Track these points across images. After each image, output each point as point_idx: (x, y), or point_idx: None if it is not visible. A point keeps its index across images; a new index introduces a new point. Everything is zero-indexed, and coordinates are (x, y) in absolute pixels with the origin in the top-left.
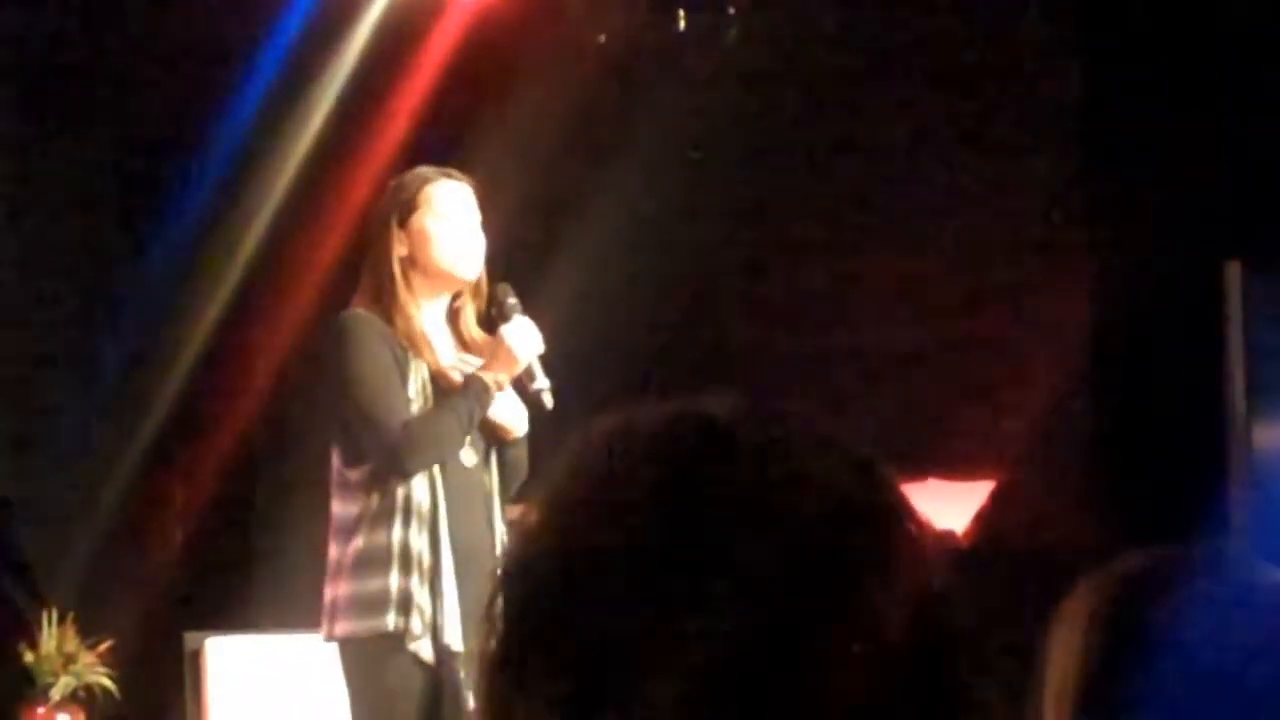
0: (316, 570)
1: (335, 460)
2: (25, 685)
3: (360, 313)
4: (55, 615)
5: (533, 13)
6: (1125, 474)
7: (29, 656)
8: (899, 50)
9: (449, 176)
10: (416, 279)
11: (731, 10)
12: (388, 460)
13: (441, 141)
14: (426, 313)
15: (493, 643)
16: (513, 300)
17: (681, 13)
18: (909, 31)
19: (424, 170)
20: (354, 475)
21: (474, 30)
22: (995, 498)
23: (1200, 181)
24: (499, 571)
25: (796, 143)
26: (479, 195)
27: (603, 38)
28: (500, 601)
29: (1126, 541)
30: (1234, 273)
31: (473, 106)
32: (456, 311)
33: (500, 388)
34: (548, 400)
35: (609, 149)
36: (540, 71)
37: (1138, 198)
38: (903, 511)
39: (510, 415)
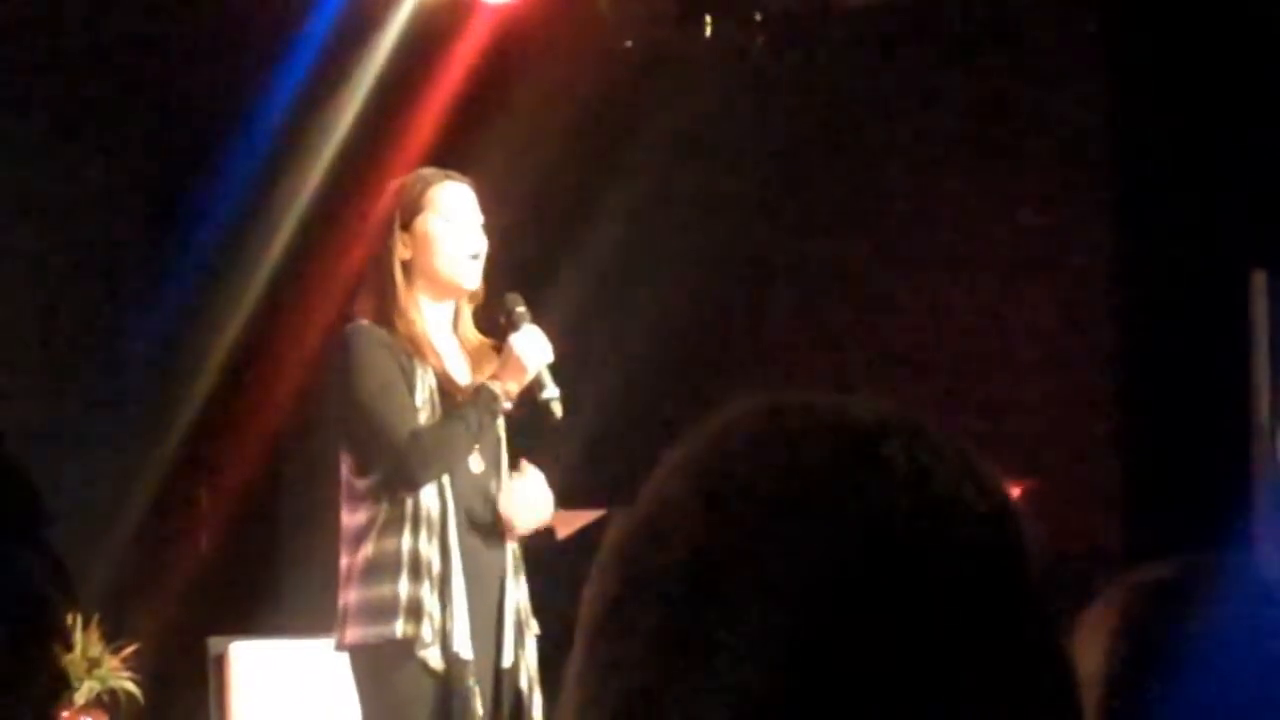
0: (339, 576)
1: (344, 470)
2: (62, 687)
3: (364, 325)
4: (80, 619)
5: (559, 18)
6: (1150, 482)
7: (67, 660)
8: (926, 61)
9: (450, 178)
10: (420, 284)
11: (759, 18)
12: (397, 471)
13: (467, 145)
14: (430, 317)
15: (603, 595)
16: (522, 309)
17: (708, 20)
18: (936, 42)
19: (425, 171)
20: (362, 484)
21: (500, 35)
22: (1021, 506)
23: (1226, 191)
24: (615, 534)
25: (819, 151)
26: (494, 197)
27: (629, 43)
28: (609, 561)
29: (1151, 550)
30: (1260, 282)
31: (498, 111)
32: (458, 318)
33: (510, 396)
34: (557, 409)
35: (633, 152)
36: (566, 77)
37: (1164, 207)
38: (1031, 557)
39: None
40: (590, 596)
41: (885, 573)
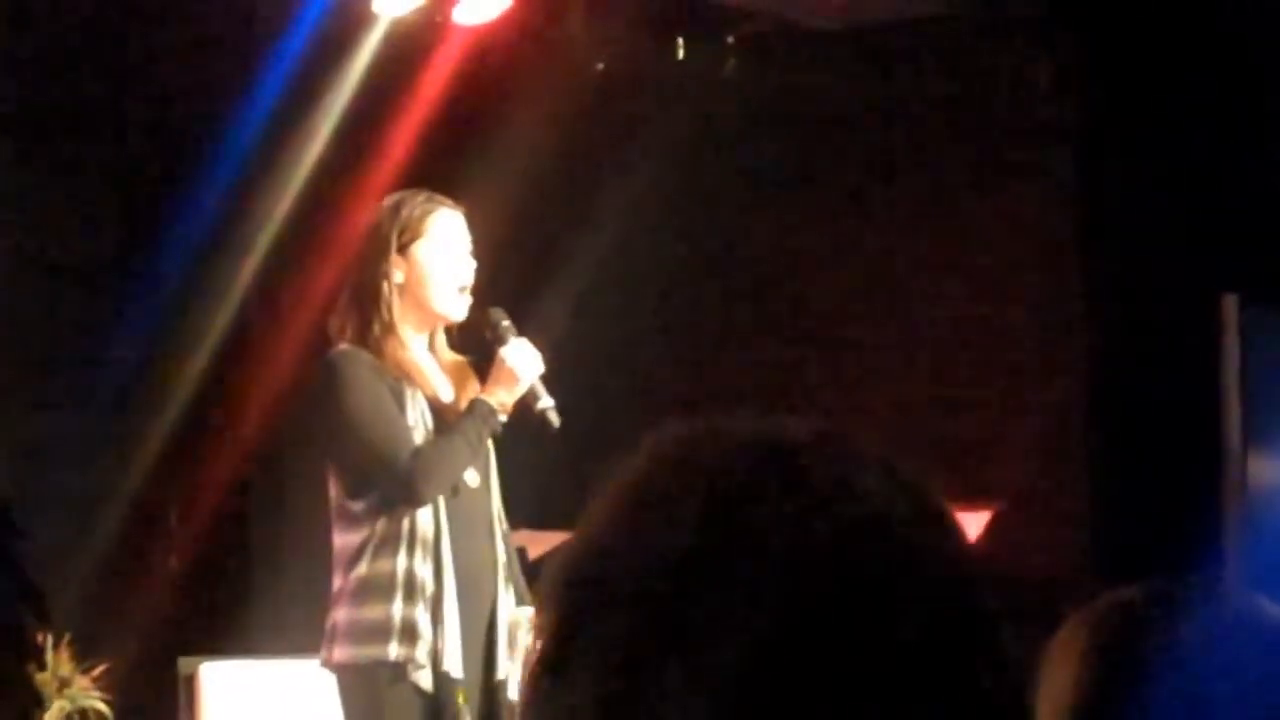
0: (311, 596)
1: (335, 493)
2: (34, 708)
3: (349, 349)
4: (50, 638)
5: (532, 40)
6: (1122, 505)
7: (39, 679)
8: (896, 82)
9: (446, 204)
10: (409, 308)
11: (730, 40)
12: (402, 490)
13: (440, 167)
14: (412, 340)
15: (539, 647)
16: (506, 322)
17: (680, 42)
18: (906, 63)
19: (422, 195)
20: (358, 506)
21: (473, 57)
22: (991, 528)
23: (1197, 215)
24: (551, 580)
25: (792, 172)
26: (467, 217)
27: (601, 66)
28: (553, 597)
29: (1122, 573)
30: (1230, 306)
31: (471, 132)
32: (431, 333)
33: (505, 409)
34: (554, 419)
35: (607, 175)
36: (539, 98)
37: (1135, 231)
38: (964, 563)
39: None
40: (532, 646)
41: (816, 595)
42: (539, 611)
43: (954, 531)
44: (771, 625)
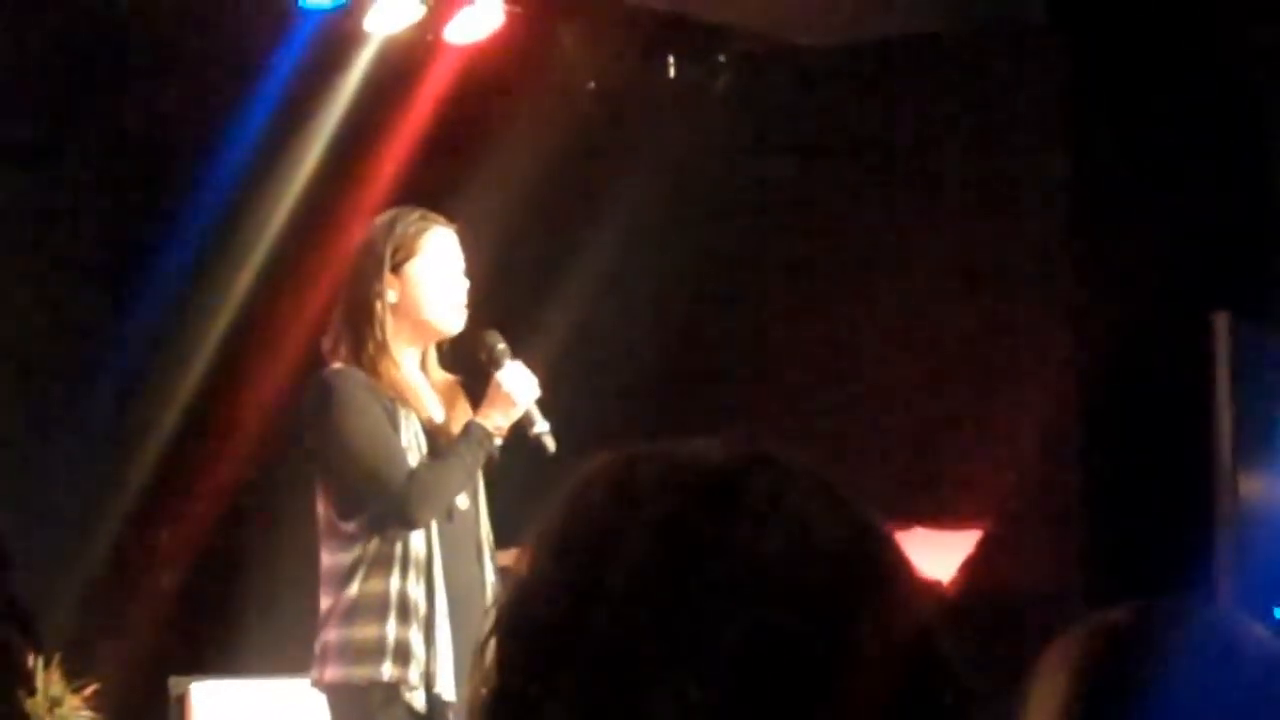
0: (302, 616)
1: (325, 512)
2: None
3: (343, 368)
4: (41, 659)
5: (524, 58)
6: (1113, 524)
7: (29, 702)
8: (888, 99)
9: (439, 223)
10: (402, 327)
11: (722, 58)
12: (396, 512)
13: (431, 186)
14: (405, 360)
15: (490, 681)
16: (502, 346)
17: (672, 60)
18: (898, 80)
19: (416, 213)
20: (349, 526)
21: (464, 76)
22: (982, 548)
23: (1188, 233)
24: (494, 612)
25: (784, 190)
26: (459, 236)
27: (593, 84)
28: (495, 642)
29: (1114, 591)
30: (1222, 323)
31: (462, 151)
32: (423, 353)
33: (500, 433)
34: (549, 443)
35: (598, 193)
36: (530, 116)
37: (1126, 248)
38: (899, 576)
39: None
40: (474, 689)
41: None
42: (480, 655)
43: (892, 552)
44: (710, 659)
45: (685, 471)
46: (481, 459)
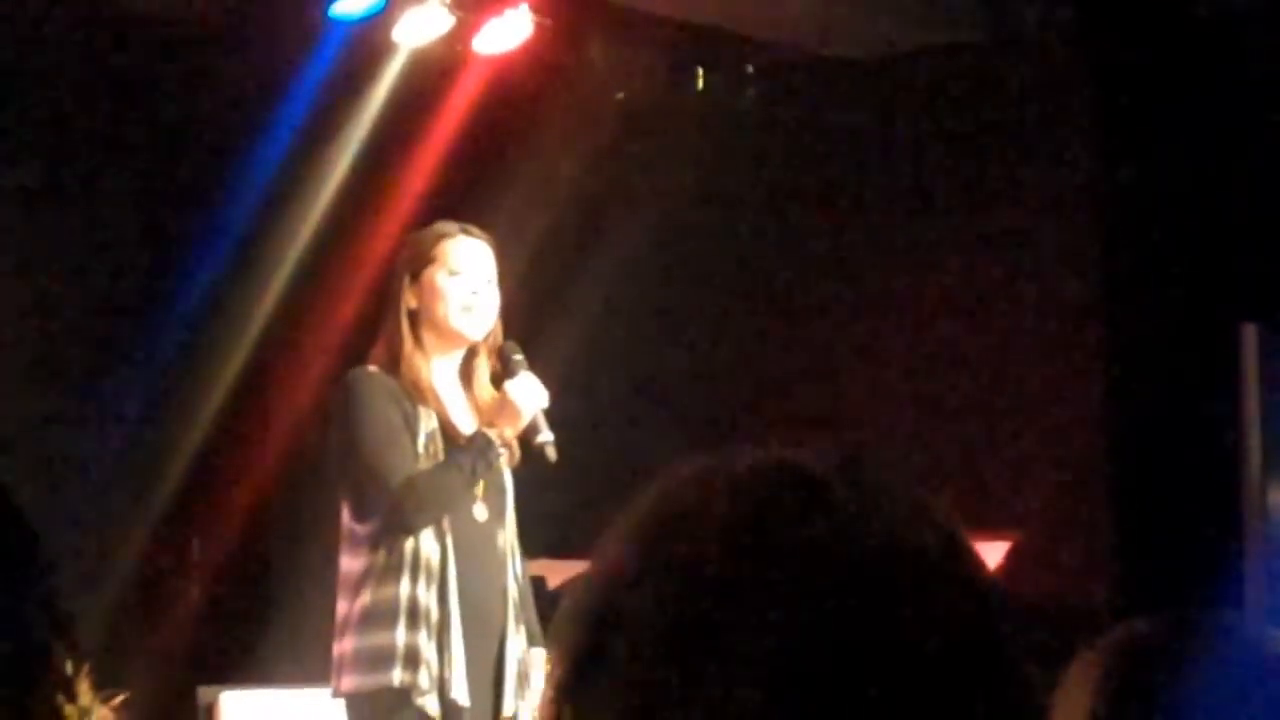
0: (331, 625)
1: (345, 515)
2: None
3: (368, 369)
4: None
5: (552, 70)
6: (1141, 536)
7: (68, 710)
8: (917, 112)
9: (467, 233)
10: (426, 334)
11: (750, 70)
12: (392, 515)
13: (459, 197)
14: (437, 368)
15: (558, 676)
16: (518, 356)
17: (700, 72)
18: (927, 94)
19: (443, 225)
20: (363, 530)
21: (493, 86)
22: (1011, 558)
23: (1216, 245)
24: (569, 611)
25: (812, 202)
26: (497, 251)
27: (621, 95)
28: (570, 637)
29: (1142, 603)
30: (1250, 335)
31: (490, 162)
32: (471, 371)
33: (506, 442)
34: (551, 453)
35: (627, 204)
36: (559, 128)
37: (1155, 261)
38: (982, 580)
39: None
40: (550, 675)
41: (839, 624)
42: (555, 641)
43: (976, 562)
44: (794, 654)
45: (773, 471)
46: (483, 468)
